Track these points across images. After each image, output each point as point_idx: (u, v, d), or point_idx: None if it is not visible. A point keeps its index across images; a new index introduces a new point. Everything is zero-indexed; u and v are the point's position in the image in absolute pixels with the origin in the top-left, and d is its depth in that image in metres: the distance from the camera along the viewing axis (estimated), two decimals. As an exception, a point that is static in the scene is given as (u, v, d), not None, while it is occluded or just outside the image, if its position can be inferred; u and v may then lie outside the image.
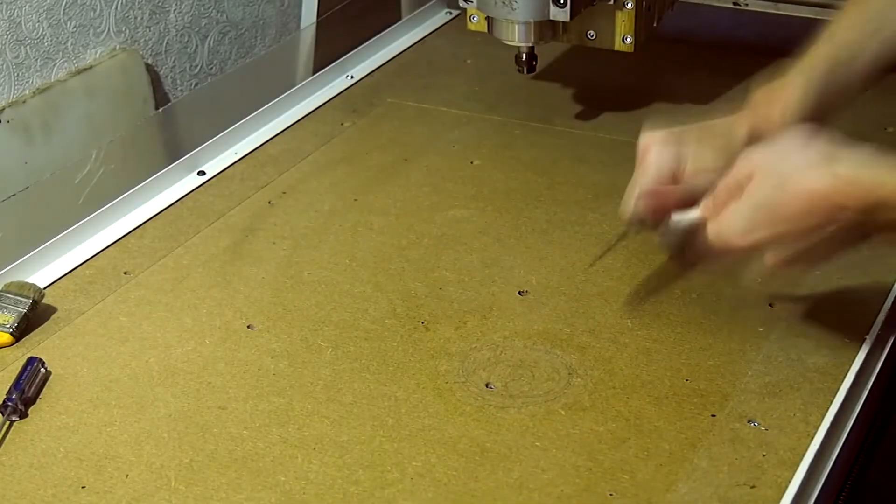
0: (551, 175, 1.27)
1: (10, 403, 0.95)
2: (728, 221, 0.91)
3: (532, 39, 1.28)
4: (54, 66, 1.39)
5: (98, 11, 1.43)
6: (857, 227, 0.89)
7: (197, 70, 1.60)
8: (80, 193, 1.25)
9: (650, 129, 1.00)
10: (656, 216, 0.98)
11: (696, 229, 0.94)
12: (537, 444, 0.92)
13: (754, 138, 1.00)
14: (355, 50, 1.51)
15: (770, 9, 1.54)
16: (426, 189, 1.25)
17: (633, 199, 0.98)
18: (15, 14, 1.34)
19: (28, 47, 1.36)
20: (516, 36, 1.27)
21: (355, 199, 1.24)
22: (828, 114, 1.03)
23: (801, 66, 1.02)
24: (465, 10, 1.32)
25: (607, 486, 0.88)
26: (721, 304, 1.06)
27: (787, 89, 1.01)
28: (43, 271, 1.13)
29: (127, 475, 0.90)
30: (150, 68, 1.51)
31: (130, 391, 0.98)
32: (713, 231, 0.93)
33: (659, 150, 0.98)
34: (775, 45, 1.14)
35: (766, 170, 0.90)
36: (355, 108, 1.42)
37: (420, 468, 0.90)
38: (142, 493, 0.88)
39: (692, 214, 0.95)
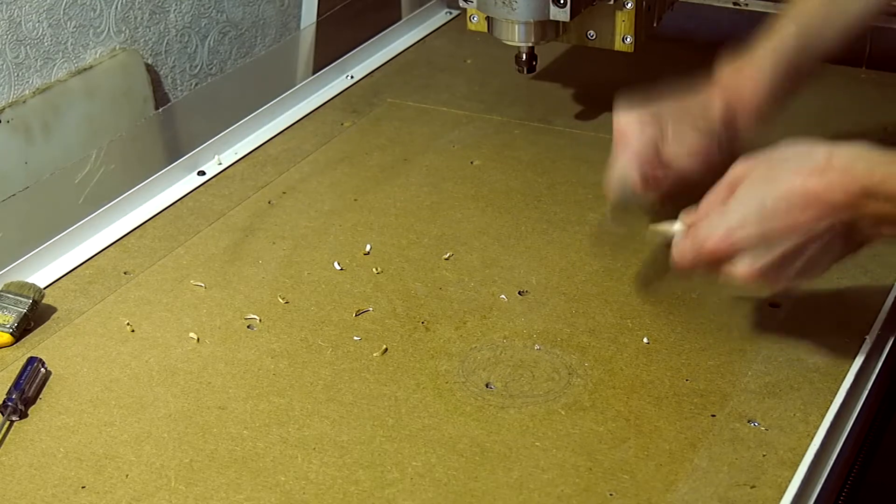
0: (551, 175, 1.27)
1: (10, 403, 0.95)
2: (711, 221, 0.90)
3: (532, 39, 1.28)
4: (54, 66, 1.39)
5: (98, 11, 1.43)
6: (846, 230, 0.88)
7: (197, 70, 1.60)
8: (80, 193, 1.25)
9: (625, 109, 1.01)
10: (649, 191, 0.99)
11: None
12: (537, 444, 0.92)
13: (729, 116, 1.01)
14: (355, 50, 1.51)
15: (770, 9, 1.53)
16: (426, 189, 1.25)
17: (622, 173, 1.00)
18: (15, 14, 1.34)
19: (28, 47, 1.36)
20: (516, 36, 1.27)
21: (355, 199, 1.24)
22: (794, 91, 1.04)
23: (768, 44, 1.03)
24: (465, 10, 1.32)
25: (607, 486, 0.88)
26: (721, 305, 1.05)
27: (756, 67, 1.02)
28: (43, 271, 1.13)
29: (127, 475, 0.90)
30: (150, 68, 1.51)
31: (130, 391, 0.98)
32: (692, 234, 0.92)
33: (640, 129, 1.00)
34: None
35: (758, 171, 0.90)
36: (355, 108, 1.42)
37: (420, 468, 0.90)
38: (142, 493, 0.88)
39: (675, 227, 0.95)
